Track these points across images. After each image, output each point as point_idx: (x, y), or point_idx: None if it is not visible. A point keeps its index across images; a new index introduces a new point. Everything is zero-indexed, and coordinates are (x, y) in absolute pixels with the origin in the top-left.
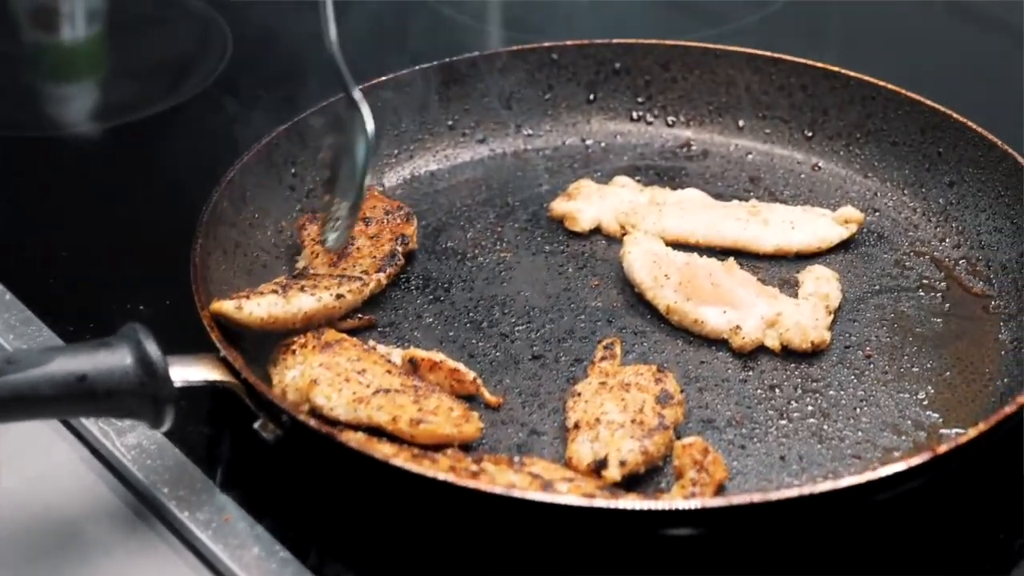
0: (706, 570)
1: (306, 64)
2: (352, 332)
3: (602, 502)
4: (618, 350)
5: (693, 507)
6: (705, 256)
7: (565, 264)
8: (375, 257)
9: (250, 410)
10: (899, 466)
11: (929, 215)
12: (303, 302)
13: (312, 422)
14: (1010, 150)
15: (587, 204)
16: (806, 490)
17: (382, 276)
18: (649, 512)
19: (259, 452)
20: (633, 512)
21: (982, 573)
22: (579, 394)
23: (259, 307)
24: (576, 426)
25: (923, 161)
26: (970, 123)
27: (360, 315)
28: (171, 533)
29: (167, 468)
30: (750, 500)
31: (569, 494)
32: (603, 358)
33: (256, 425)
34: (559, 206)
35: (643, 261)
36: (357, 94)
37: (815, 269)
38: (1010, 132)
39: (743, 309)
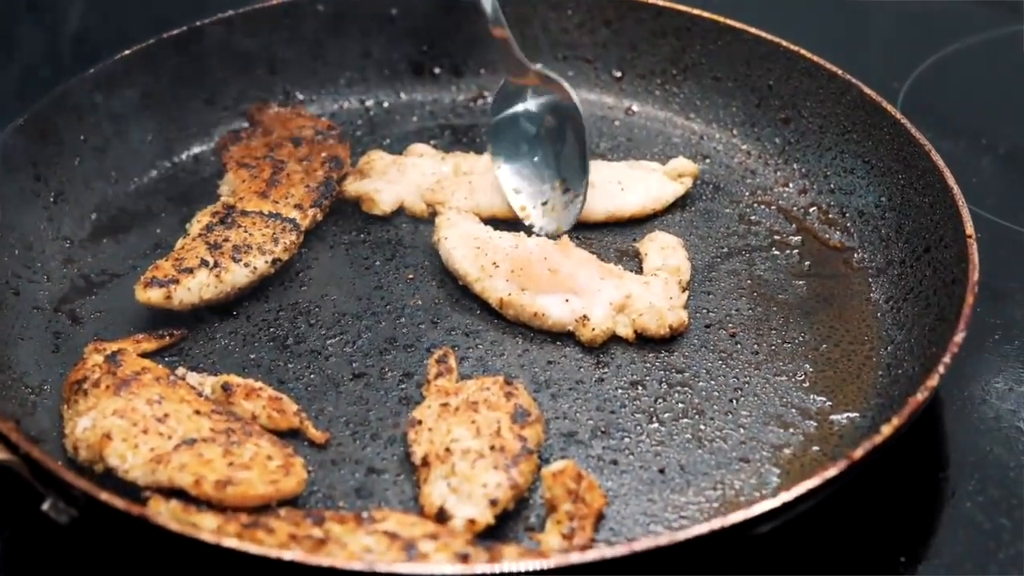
0: None
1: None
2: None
3: (483, 568)
4: (453, 362)
5: (593, 559)
6: (533, 235)
7: (371, 256)
8: (308, 186)
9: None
10: (812, 482)
11: (766, 158)
12: (237, 277)
13: (119, 502)
14: (853, 79)
15: (384, 182)
16: (716, 524)
17: (317, 211)
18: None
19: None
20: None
21: None
22: (419, 422)
23: (190, 292)
24: (425, 462)
25: (751, 97)
26: (804, 51)
27: (172, 331)
28: None
29: None
30: (656, 544)
31: (440, 557)
32: (438, 374)
33: (45, 506)
34: (352, 186)
35: (464, 248)
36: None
37: (657, 237)
38: (857, 64)
39: (587, 295)
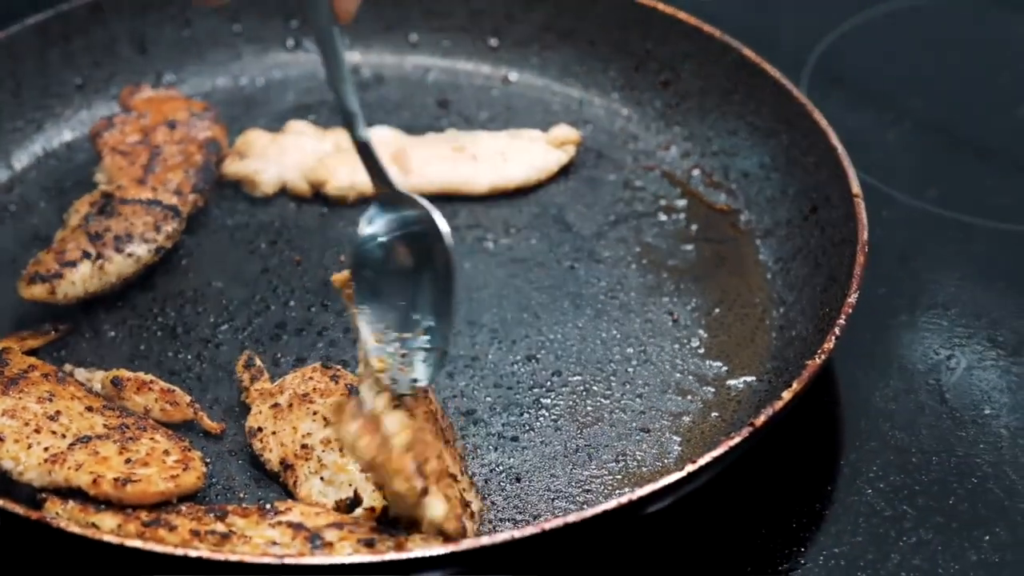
0: None
1: None
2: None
3: (391, 555)
4: (259, 363)
5: (503, 540)
6: None
7: (255, 240)
8: (187, 172)
9: None
10: (717, 452)
11: (647, 122)
12: (120, 267)
13: (17, 508)
14: (732, 41)
15: (264, 162)
16: (624, 499)
17: (198, 196)
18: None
19: None
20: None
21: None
22: (260, 429)
23: (74, 286)
24: (285, 465)
25: (629, 60)
26: (680, 14)
27: (58, 325)
28: None
29: None
30: (564, 522)
31: (345, 546)
32: (252, 378)
33: None
34: (232, 168)
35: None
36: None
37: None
38: (734, 24)
39: None
